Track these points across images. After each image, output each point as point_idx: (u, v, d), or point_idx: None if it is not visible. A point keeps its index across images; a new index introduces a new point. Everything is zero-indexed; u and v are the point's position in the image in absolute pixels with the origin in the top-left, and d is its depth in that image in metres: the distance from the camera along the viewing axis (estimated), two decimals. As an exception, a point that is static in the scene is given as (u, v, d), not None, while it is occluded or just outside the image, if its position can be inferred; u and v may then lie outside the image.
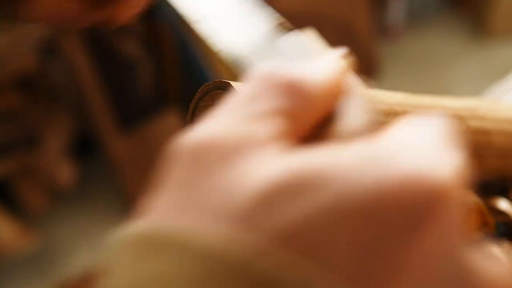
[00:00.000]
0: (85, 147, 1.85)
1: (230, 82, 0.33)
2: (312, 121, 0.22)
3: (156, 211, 0.19)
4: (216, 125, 0.20)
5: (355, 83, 0.24)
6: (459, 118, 0.46)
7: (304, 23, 0.88)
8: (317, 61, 0.23)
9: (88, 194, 1.85)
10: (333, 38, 0.95)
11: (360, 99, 0.23)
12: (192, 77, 1.61)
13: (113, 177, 1.77)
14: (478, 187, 0.49)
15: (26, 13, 0.41)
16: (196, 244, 0.17)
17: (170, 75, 1.63)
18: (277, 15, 0.33)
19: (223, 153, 0.19)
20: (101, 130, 1.62)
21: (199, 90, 0.34)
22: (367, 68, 1.99)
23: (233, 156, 0.19)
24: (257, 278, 0.16)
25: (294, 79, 0.21)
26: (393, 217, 0.17)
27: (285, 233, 0.17)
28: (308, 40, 0.30)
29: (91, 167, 1.87)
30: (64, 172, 1.63)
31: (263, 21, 0.32)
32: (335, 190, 0.17)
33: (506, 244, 0.49)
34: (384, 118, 0.40)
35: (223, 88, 0.33)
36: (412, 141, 0.19)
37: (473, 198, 0.45)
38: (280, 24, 0.31)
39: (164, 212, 0.19)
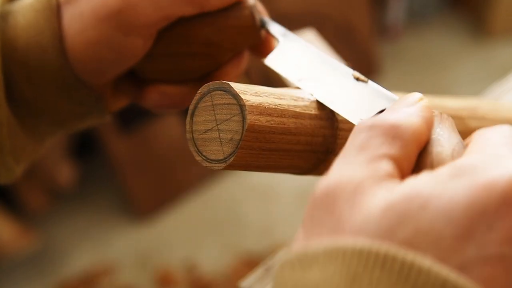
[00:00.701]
0: (85, 147, 1.85)
1: (230, 83, 0.33)
2: (415, 155, 0.28)
3: (304, 237, 0.26)
4: (339, 170, 0.26)
5: (436, 115, 0.30)
6: (459, 118, 0.46)
7: (304, 23, 0.89)
8: (404, 104, 0.29)
9: (88, 194, 1.85)
10: (333, 38, 0.95)
11: (443, 127, 0.29)
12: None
13: (113, 177, 1.77)
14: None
15: (141, 103, 0.45)
16: (346, 249, 0.23)
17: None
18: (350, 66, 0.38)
19: (351, 191, 0.25)
20: (101, 130, 1.62)
21: (198, 91, 0.34)
22: (367, 68, 1.99)
23: (359, 192, 0.25)
24: (400, 264, 0.22)
25: (393, 125, 0.27)
26: (485, 214, 0.23)
27: (405, 244, 0.23)
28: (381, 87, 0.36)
29: (91, 167, 1.88)
30: (64, 172, 1.63)
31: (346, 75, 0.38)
32: (434, 205, 0.23)
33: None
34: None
35: (223, 89, 0.33)
36: (481, 158, 0.25)
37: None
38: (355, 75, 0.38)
39: (310, 238, 0.25)
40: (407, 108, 0.29)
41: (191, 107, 0.34)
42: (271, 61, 0.42)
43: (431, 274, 0.22)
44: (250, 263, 1.62)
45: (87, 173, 1.83)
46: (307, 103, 0.36)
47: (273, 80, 0.54)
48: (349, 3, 1.86)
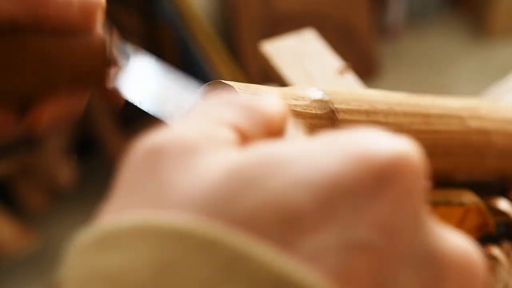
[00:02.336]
0: (85, 147, 1.85)
1: (229, 82, 0.33)
2: (261, 137, 0.22)
3: (114, 208, 0.20)
4: (178, 126, 0.21)
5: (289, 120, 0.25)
6: (459, 118, 0.46)
7: (304, 23, 0.89)
8: (265, 96, 0.24)
9: (88, 194, 1.85)
10: (333, 38, 0.95)
11: (296, 129, 0.25)
12: (192, 77, 1.61)
13: (113, 177, 1.77)
14: (478, 187, 0.49)
15: None
16: (160, 227, 0.17)
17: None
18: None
19: (182, 149, 0.20)
20: (101, 130, 1.62)
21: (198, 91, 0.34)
22: (367, 68, 1.99)
23: (192, 151, 0.20)
24: (228, 253, 0.17)
25: (250, 102, 0.22)
26: (352, 191, 0.18)
27: (244, 218, 0.17)
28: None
29: (91, 167, 1.88)
30: (64, 172, 1.63)
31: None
32: (294, 172, 0.18)
33: (506, 244, 0.49)
34: (384, 119, 0.40)
35: (222, 89, 0.33)
36: (358, 130, 0.20)
37: (473, 198, 0.45)
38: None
39: (122, 208, 0.19)
40: (268, 97, 0.24)
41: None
42: (125, 88, 0.39)
43: (264, 268, 0.16)
44: (250, 263, 1.62)
45: (87, 173, 1.83)
46: (307, 103, 0.36)
47: (273, 79, 0.54)
48: (349, 3, 1.86)
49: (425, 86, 2.01)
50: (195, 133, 0.20)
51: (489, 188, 0.52)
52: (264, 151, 0.19)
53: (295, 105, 0.35)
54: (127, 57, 0.39)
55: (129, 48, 0.40)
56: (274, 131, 0.23)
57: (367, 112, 0.39)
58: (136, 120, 1.67)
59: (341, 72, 0.57)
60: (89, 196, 1.85)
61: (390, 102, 0.41)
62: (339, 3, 1.84)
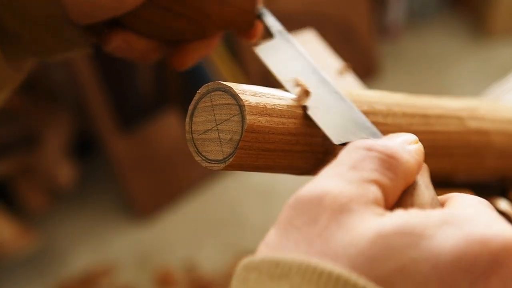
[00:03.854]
0: (85, 147, 1.85)
1: (229, 83, 0.33)
2: (400, 192, 0.28)
3: (278, 243, 0.24)
4: (328, 181, 0.25)
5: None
6: (459, 118, 0.46)
7: (304, 23, 0.88)
8: (403, 139, 0.30)
9: (88, 194, 1.85)
10: (333, 38, 0.95)
11: (425, 177, 0.30)
12: (192, 77, 1.61)
13: (113, 177, 1.77)
14: (478, 187, 0.49)
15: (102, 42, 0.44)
16: (322, 271, 0.22)
17: (170, 75, 1.62)
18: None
19: (339, 205, 0.24)
20: (101, 130, 1.62)
21: (198, 91, 0.34)
22: (367, 68, 1.99)
23: (346, 210, 0.24)
24: None
25: (391, 155, 0.27)
26: (472, 268, 0.22)
27: (386, 278, 0.22)
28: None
29: (91, 167, 1.88)
30: (64, 172, 1.63)
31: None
32: (424, 247, 0.23)
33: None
34: (382, 119, 0.40)
35: (222, 89, 0.33)
36: (473, 213, 0.25)
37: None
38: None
39: (286, 246, 0.24)
40: (406, 145, 0.29)
41: (190, 107, 0.34)
42: (262, 51, 0.41)
43: None
44: (250, 263, 1.62)
45: (87, 173, 1.83)
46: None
47: (273, 80, 0.54)
48: (349, 3, 1.86)
49: (425, 86, 2.01)
50: (349, 191, 0.25)
51: (489, 188, 0.52)
52: (406, 221, 0.24)
53: (295, 106, 0.35)
54: (274, 29, 0.42)
55: (279, 24, 0.43)
56: (410, 181, 0.28)
57: (366, 113, 0.39)
58: (136, 120, 1.67)
59: (341, 72, 0.57)
60: (89, 196, 1.85)
61: (389, 102, 0.41)
62: (339, 3, 1.84)
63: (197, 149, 0.34)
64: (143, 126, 1.68)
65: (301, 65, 0.39)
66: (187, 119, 0.34)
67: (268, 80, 0.50)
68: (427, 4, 2.20)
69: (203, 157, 0.33)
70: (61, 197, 1.78)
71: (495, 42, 2.09)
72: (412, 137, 0.31)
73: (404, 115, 0.41)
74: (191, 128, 0.34)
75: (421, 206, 0.28)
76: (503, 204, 0.49)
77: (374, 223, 0.23)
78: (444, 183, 0.49)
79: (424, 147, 0.43)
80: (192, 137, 0.34)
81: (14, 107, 1.53)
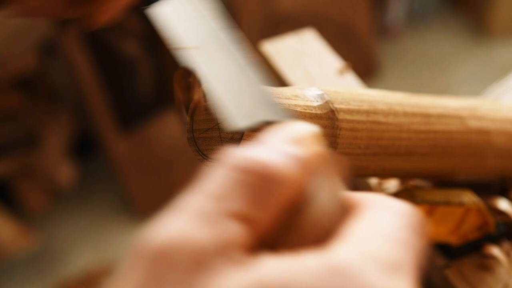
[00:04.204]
0: (85, 147, 1.85)
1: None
2: (279, 212, 0.22)
3: None
4: (179, 222, 0.21)
5: (324, 158, 0.24)
6: (459, 118, 0.46)
7: (304, 23, 0.89)
8: (288, 138, 0.23)
9: (88, 194, 1.85)
10: (333, 38, 0.95)
11: (326, 176, 0.23)
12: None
13: (113, 177, 1.77)
14: (478, 187, 0.49)
15: (8, 7, 0.42)
16: None
17: (170, 75, 1.62)
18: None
19: (190, 261, 0.20)
20: (101, 130, 1.62)
21: (199, 90, 0.34)
22: (367, 68, 1.99)
23: (201, 267, 0.20)
24: None
25: (263, 176, 0.21)
26: None
27: None
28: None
29: (91, 167, 1.87)
30: (64, 172, 1.63)
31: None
32: None
33: (506, 244, 0.49)
34: (383, 119, 0.40)
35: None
36: (371, 251, 0.21)
37: (473, 198, 0.45)
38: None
39: None
40: (290, 147, 0.22)
41: (191, 106, 0.34)
42: (158, 11, 0.34)
43: None
44: (250, 263, 1.62)
45: (87, 173, 1.83)
46: (307, 102, 0.36)
47: (273, 79, 0.54)
48: (349, 3, 1.86)
49: (425, 86, 2.01)
50: (204, 237, 0.20)
51: (489, 188, 0.52)
52: (271, 280, 0.19)
53: (295, 105, 0.35)
54: None
55: None
56: (297, 193, 0.22)
57: (367, 112, 0.39)
58: (136, 120, 1.67)
59: (341, 72, 0.57)
60: (89, 196, 1.85)
61: (390, 102, 0.41)
62: (339, 3, 1.84)
63: (198, 148, 0.34)
64: (143, 126, 1.68)
65: (204, 27, 0.33)
66: (188, 118, 0.34)
67: (268, 79, 0.50)
68: (427, 4, 2.20)
69: (204, 156, 0.33)
70: (61, 197, 1.77)
71: (495, 42, 2.09)
72: (312, 133, 0.24)
73: (405, 114, 0.41)
74: (192, 127, 0.34)
75: (312, 225, 0.22)
76: (503, 204, 0.49)
77: (233, 283, 0.19)
78: (444, 182, 0.49)
79: (425, 147, 0.43)
80: (193, 136, 0.34)
81: (14, 107, 1.53)
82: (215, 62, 0.30)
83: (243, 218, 0.21)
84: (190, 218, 0.21)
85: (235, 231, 0.21)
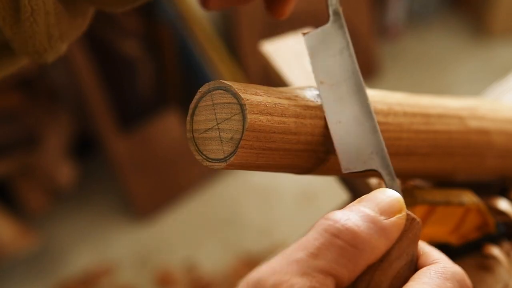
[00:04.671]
0: (85, 147, 1.85)
1: (230, 82, 0.33)
2: (361, 271, 0.29)
3: None
4: (285, 268, 0.27)
5: (404, 226, 0.30)
6: (459, 118, 0.46)
7: (304, 23, 0.88)
8: (379, 209, 0.30)
9: (88, 194, 1.85)
10: (333, 38, 0.95)
11: (403, 241, 0.30)
12: (192, 77, 1.61)
13: (113, 177, 1.77)
14: (478, 187, 0.49)
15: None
16: None
17: (170, 75, 1.62)
18: None
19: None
20: (101, 130, 1.62)
21: (199, 90, 0.34)
22: (367, 68, 1.99)
23: None
24: None
25: (355, 244, 0.28)
26: None
27: None
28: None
29: (91, 167, 1.88)
30: (64, 172, 1.63)
31: None
32: None
33: (506, 244, 0.49)
34: (383, 119, 0.40)
35: (223, 88, 0.33)
36: None
37: (473, 198, 0.45)
38: None
39: None
40: (382, 221, 0.29)
41: (191, 106, 0.34)
42: (309, 40, 0.38)
43: None
44: (250, 263, 1.62)
45: (87, 173, 1.83)
46: (308, 103, 0.36)
47: (273, 79, 0.54)
48: (349, 3, 1.86)
49: (425, 86, 2.01)
50: (300, 285, 0.26)
51: (489, 188, 0.52)
52: None
53: (295, 105, 0.35)
54: (331, 9, 0.40)
55: (338, 2, 0.40)
56: (377, 257, 0.29)
57: (367, 112, 0.39)
58: (136, 120, 1.67)
59: (341, 72, 0.57)
60: (89, 196, 1.85)
61: (389, 102, 0.41)
62: (339, 3, 1.84)
63: (198, 148, 0.34)
64: (143, 126, 1.68)
65: (342, 64, 0.37)
66: (188, 118, 0.34)
67: (268, 78, 0.50)
68: (427, 4, 2.20)
69: (204, 156, 0.33)
70: (61, 197, 1.78)
71: (495, 42, 2.09)
72: (398, 203, 0.30)
73: (405, 114, 0.41)
74: (192, 127, 0.34)
75: (387, 284, 0.29)
76: (503, 204, 0.49)
77: None
78: (444, 182, 0.49)
79: (425, 147, 0.43)
80: (193, 136, 0.34)
81: (14, 107, 1.53)
82: (344, 102, 0.35)
83: (334, 275, 0.27)
84: (293, 268, 0.27)
85: (324, 283, 0.26)
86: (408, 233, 0.31)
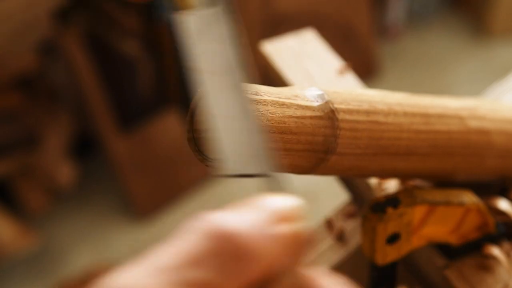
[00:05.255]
0: (85, 147, 1.85)
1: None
2: (246, 283, 0.22)
3: None
4: (146, 280, 0.21)
5: (298, 239, 0.24)
6: (459, 118, 0.46)
7: (304, 23, 0.88)
8: (274, 216, 0.23)
9: (88, 194, 1.85)
10: (333, 38, 0.95)
11: (296, 261, 0.24)
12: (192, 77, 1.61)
13: (113, 177, 1.77)
14: (478, 187, 0.49)
15: None
16: None
17: (170, 75, 1.62)
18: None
19: None
20: (101, 130, 1.62)
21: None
22: (367, 68, 1.99)
23: None
24: None
25: (244, 251, 0.22)
26: None
27: None
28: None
29: (91, 167, 1.87)
30: (64, 172, 1.63)
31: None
32: None
33: (506, 244, 0.49)
34: (383, 119, 0.40)
35: None
36: None
37: (473, 198, 0.45)
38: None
39: None
40: (268, 224, 0.23)
41: (191, 106, 0.34)
42: (193, 21, 0.32)
43: None
44: (250, 263, 1.62)
45: (87, 173, 1.83)
46: (307, 102, 0.36)
47: (273, 79, 0.54)
48: (349, 3, 1.86)
49: (425, 86, 2.01)
50: None
51: (489, 188, 0.52)
52: None
53: (296, 105, 0.35)
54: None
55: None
56: (265, 271, 0.22)
57: (367, 112, 0.39)
58: (136, 120, 1.67)
59: (341, 72, 0.57)
60: (89, 196, 1.85)
61: (390, 102, 0.41)
62: (339, 3, 1.84)
63: (197, 148, 0.34)
64: (143, 126, 1.68)
65: (222, 53, 0.32)
66: (188, 118, 0.34)
67: (268, 78, 0.50)
68: (427, 4, 2.20)
69: (203, 156, 0.33)
70: (61, 197, 1.78)
71: (495, 42, 2.09)
72: (285, 201, 0.25)
73: (405, 114, 0.41)
74: (192, 127, 0.34)
75: None
76: (503, 204, 0.49)
77: None
78: (444, 182, 0.49)
79: (425, 147, 0.43)
80: (193, 136, 0.34)
81: (14, 107, 1.53)
82: (224, 93, 0.30)
83: (212, 285, 0.21)
84: (159, 278, 0.21)
85: None
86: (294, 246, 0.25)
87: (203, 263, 0.21)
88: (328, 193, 1.69)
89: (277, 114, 0.34)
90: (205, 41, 0.32)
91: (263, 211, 0.24)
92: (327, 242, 0.56)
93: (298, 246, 0.24)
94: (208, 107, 0.29)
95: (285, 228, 0.24)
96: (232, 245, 0.22)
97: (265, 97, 0.34)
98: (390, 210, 0.41)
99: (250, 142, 0.29)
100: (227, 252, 0.22)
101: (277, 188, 0.28)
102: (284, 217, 0.24)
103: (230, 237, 0.22)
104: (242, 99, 0.30)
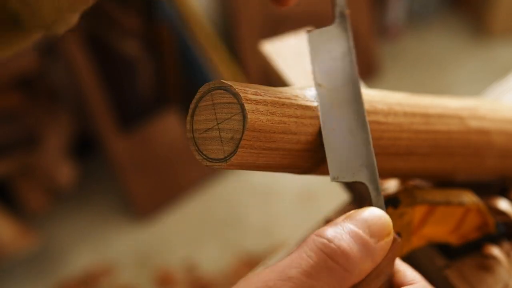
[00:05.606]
0: (85, 147, 1.85)
1: (231, 82, 0.33)
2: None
3: None
4: (278, 285, 0.27)
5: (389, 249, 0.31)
6: (459, 118, 0.46)
7: (304, 23, 0.88)
8: (370, 232, 0.30)
9: (88, 194, 1.85)
10: (333, 38, 0.95)
11: (390, 266, 0.31)
12: (192, 77, 1.61)
13: (113, 177, 1.77)
14: (478, 187, 0.49)
15: None
16: None
17: (170, 75, 1.62)
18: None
19: None
20: (101, 130, 1.62)
21: (199, 90, 0.34)
22: (367, 67, 1.99)
23: None
24: None
25: (348, 267, 0.28)
26: None
27: None
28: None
29: (91, 167, 1.87)
30: (64, 172, 1.63)
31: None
32: None
33: (506, 244, 0.49)
34: (383, 119, 0.40)
35: (223, 88, 0.33)
36: None
37: (473, 198, 0.45)
38: None
39: None
40: (373, 243, 0.30)
41: (191, 106, 0.34)
42: (312, 39, 0.38)
43: None
44: (250, 263, 1.62)
45: (87, 173, 1.83)
46: (308, 103, 0.36)
47: (273, 79, 0.54)
48: (349, 3, 1.86)
49: (425, 86, 2.01)
50: None
51: (489, 188, 0.52)
52: None
53: (296, 105, 0.35)
54: (337, 10, 0.39)
55: (345, 4, 0.39)
56: (362, 277, 0.30)
57: (367, 112, 0.39)
58: (136, 120, 1.67)
59: (341, 72, 0.57)
60: (89, 196, 1.85)
61: (390, 102, 0.41)
62: (346, 5, 1.84)
63: (198, 148, 0.34)
64: (143, 126, 1.68)
65: (342, 69, 0.37)
66: (188, 118, 0.34)
67: (268, 78, 0.50)
68: (427, 4, 2.20)
69: (204, 156, 0.33)
70: (61, 197, 1.78)
71: (495, 42, 2.09)
72: (388, 227, 0.31)
73: (405, 114, 0.41)
74: (192, 127, 0.34)
75: None
76: (503, 204, 0.49)
77: None
78: (444, 182, 0.49)
79: (425, 147, 0.43)
80: (193, 135, 0.34)
81: (14, 107, 1.53)
82: (339, 109, 0.35)
83: None
84: (283, 283, 0.27)
85: None
86: (389, 253, 0.31)
87: (316, 274, 0.28)
88: (328, 193, 1.69)
89: (277, 114, 0.34)
90: (324, 57, 0.37)
91: (363, 227, 0.30)
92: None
93: (394, 255, 0.31)
94: (325, 121, 0.34)
95: (384, 244, 0.30)
96: (340, 260, 0.28)
97: (265, 97, 0.34)
98: (390, 210, 0.41)
99: (362, 152, 0.34)
100: (335, 266, 0.28)
101: (375, 196, 0.33)
102: (379, 233, 0.31)
103: (339, 253, 0.28)
104: (358, 113, 0.35)
